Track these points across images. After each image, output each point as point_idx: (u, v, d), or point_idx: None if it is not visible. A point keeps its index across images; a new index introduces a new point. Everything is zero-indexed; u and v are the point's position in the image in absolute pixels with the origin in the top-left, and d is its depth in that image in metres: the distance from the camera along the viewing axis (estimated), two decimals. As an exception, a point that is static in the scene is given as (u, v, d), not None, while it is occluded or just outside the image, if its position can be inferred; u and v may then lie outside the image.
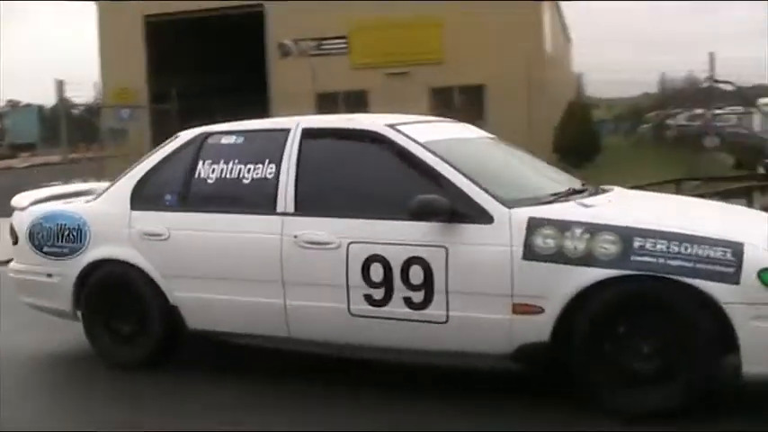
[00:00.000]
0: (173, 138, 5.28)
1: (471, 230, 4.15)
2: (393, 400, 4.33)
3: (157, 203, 5.04)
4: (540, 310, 3.98)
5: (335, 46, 22.43)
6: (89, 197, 5.60)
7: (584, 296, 3.89)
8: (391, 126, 4.63)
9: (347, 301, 4.39)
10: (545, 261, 3.97)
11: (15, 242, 5.53)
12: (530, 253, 4.00)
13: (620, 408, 3.89)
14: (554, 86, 23.94)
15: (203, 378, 4.85)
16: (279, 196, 4.65)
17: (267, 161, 4.78)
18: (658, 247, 3.78)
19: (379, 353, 4.53)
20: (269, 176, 4.74)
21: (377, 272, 4.30)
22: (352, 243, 4.36)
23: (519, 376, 4.36)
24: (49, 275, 5.33)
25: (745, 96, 23.46)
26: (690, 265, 3.72)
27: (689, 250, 3.74)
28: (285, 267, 4.55)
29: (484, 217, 4.12)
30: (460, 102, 20.73)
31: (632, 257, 3.81)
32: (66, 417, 4.49)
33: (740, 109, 14.77)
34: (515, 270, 4.01)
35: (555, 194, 4.47)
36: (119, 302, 5.13)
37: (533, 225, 4.03)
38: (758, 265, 3.66)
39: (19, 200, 5.69)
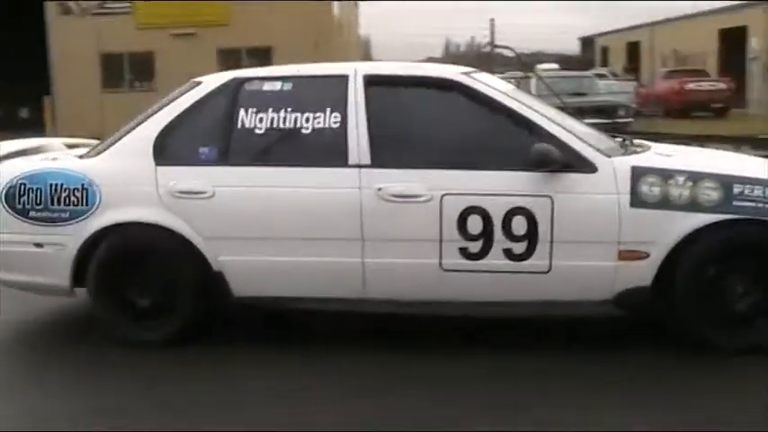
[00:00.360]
0: (191, 84, 4.80)
1: (576, 180, 4.18)
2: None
3: (190, 158, 4.54)
4: (646, 256, 4.12)
5: (119, 6, 22.18)
6: (59, 153, 5.22)
7: (690, 240, 4.07)
8: (466, 74, 4.56)
9: (439, 256, 4.25)
10: (652, 208, 4.11)
11: None
12: (637, 201, 4.12)
13: (723, 345, 4.13)
14: (342, 49, 25.07)
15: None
16: (350, 147, 4.36)
17: (329, 110, 4.46)
18: (755, 192, 4.06)
19: (466, 308, 4.44)
20: (334, 126, 4.43)
21: (475, 224, 4.20)
22: (446, 195, 4.21)
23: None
24: (39, 245, 4.64)
25: (525, 62, 25.72)
26: None
27: None
28: (365, 223, 4.28)
29: (587, 166, 4.19)
30: (249, 64, 21.27)
31: (733, 203, 4.05)
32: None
33: (519, 74, 16.58)
34: (623, 217, 4.12)
35: (622, 145, 4.70)
36: (139, 272, 4.60)
37: (637, 174, 4.16)
38: None
39: None
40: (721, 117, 24.29)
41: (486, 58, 39.55)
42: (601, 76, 27.18)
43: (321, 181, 4.35)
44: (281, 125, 4.48)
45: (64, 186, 4.56)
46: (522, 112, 4.37)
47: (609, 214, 4.15)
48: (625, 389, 3.83)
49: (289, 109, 4.49)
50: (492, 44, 41.84)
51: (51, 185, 4.57)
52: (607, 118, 16.05)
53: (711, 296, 4.14)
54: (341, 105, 4.44)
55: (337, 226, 4.31)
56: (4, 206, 4.64)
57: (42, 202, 4.57)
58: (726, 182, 4.11)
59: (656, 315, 4.40)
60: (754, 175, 4.19)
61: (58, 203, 4.56)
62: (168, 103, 4.72)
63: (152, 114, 4.72)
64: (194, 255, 4.45)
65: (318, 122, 4.44)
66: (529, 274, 4.21)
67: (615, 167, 4.22)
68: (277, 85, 4.61)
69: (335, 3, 23.46)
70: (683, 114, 23.74)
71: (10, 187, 4.63)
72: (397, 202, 4.25)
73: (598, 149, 4.30)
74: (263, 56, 21.20)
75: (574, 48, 61.79)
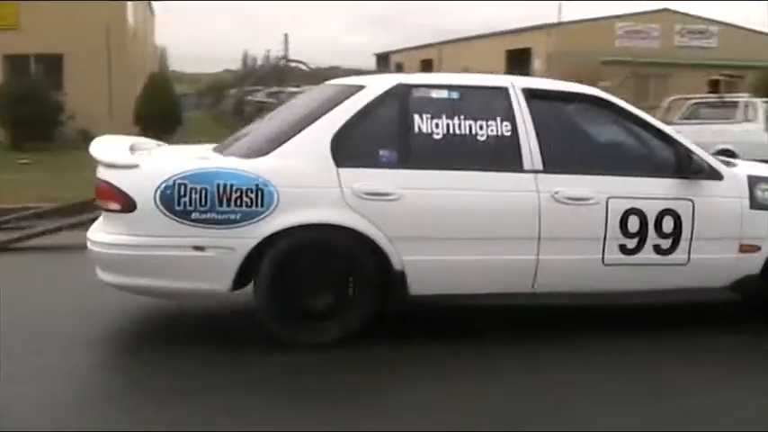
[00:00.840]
0: (354, 87, 4.94)
1: (709, 186, 5.05)
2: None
3: (371, 160, 4.67)
4: (759, 249, 5.12)
5: None
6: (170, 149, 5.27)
7: None
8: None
9: (602, 252, 4.87)
10: (765, 209, 5.12)
11: (127, 209, 4.49)
12: (754, 203, 5.11)
13: None
14: (136, 58, 24.93)
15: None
16: (524, 154, 4.78)
17: (499, 119, 4.85)
18: None
19: (619, 297, 5.05)
20: (506, 134, 4.82)
21: (633, 223, 4.87)
22: (611, 198, 4.84)
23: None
24: (199, 248, 4.47)
25: (319, 76, 26.73)
26: None
27: None
28: (543, 223, 4.73)
29: (716, 175, 5.08)
30: (38, 70, 20.76)
31: None
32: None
33: (314, 87, 17.43)
34: (744, 217, 5.08)
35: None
36: (315, 274, 4.60)
37: (752, 181, 5.17)
38: None
39: (118, 154, 4.68)
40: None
41: (280, 72, 40.26)
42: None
43: (499, 185, 4.76)
44: (457, 131, 4.79)
45: (235, 187, 4.46)
46: (662, 128, 5.25)
47: (734, 215, 5.10)
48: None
49: (462, 116, 4.82)
50: (286, 58, 42.73)
51: (219, 185, 4.45)
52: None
53: None
54: (510, 115, 4.87)
55: (518, 226, 4.76)
56: (159, 207, 4.44)
57: (208, 203, 4.43)
58: None
59: (761, 297, 5.29)
60: None
61: (228, 204, 4.44)
62: (335, 105, 4.81)
63: (318, 115, 4.78)
64: (378, 255, 4.59)
65: (491, 130, 4.83)
66: (671, 266, 5.02)
67: (736, 176, 5.19)
68: (444, 93, 4.91)
69: (130, 8, 23.30)
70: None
71: (166, 187, 4.44)
72: (571, 205, 4.80)
73: (719, 161, 5.27)
74: (53, 62, 20.74)
75: (370, 63, 64.02)
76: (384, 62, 61.42)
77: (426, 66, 51.19)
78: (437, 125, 4.80)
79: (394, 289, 4.67)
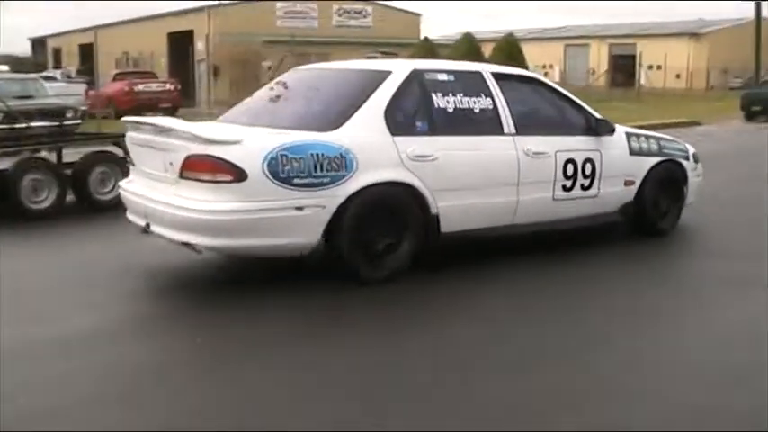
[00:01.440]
0: (379, 72, 6.21)
1: (608, 140, 7.09)
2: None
3: (412, 130, 6.01)
4: (633, 183, 7.28)
5: None
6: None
7: (650, 172, 7.37)
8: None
9: (552, 191, 6.68)
10: (636, 155, 7.30)
11: (237, 179, 5.24)
12: (632, 151, 7.28)
13: (663, 226, 7.62)
14: None
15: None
16: (503, 122, 6.44)
17: (483, 95, 6.44)
18: (672, 145, 7.80)
19: (559, 225, 6.85)
20: (489, 107, 6.43)
21: (569, 170, 6.75)
22: (557, 152, 6.67)
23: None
24: (300, 209, 5.41)
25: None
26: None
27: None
28: (521, 172, 6.41)
29: (611, 131, 7.11)
30: None
31: (663, 151, 7.57)
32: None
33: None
34: (626, 161, 7.22)
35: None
36: (380, 222, 5.76)
37: (628, 135, 7.34)
38: None
39: (222, 132, 5.58)
40: (171, 116, 25.95)
41: None
42: (49, 78, 27.12)
43: (491, 145, 6.36)
44: (459, 105, 6.28)
45: (324, 155, 5.47)
46: (577, 101, 7.14)
47: (622, 160, 7.20)
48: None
49: (460, 94, 6.33)
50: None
51: (312, 155, 5.43)
52: (55, 120, 16.34)
53: (658, 204, 7.48)
54: (488, 93, 6.47)
55: (505, 175, 6.35)
56: (267, 176, 5.27)
57: (306, 169, 5.38)
58: (657, 139, 7.64)
59: (633, 216, 7.36)
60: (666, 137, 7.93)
61: (321, 170, 5.44)
62: (376, 86, 5.98)
63: (365, 95, 5.91)
64: (422, 204, 5.93)
65: (480, 104, 6.40)
66: (589, 199, 6.96)
67: (619, 132, 7.27)
68: (444, 76, 6.38)
69: None
70: (135, 115, 24.66)
71: (272, 159, 5.28)
72: (536, 158, 6.51)
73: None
74: None
75: (26, 49, 59.90)
76: (41, 48, 57.68)
77: (87, 50, 48.88)
78: (447, 101, 6.24)
79: (431, 229, 6.01)
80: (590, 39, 59.60)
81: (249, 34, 35.08)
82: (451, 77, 6.41)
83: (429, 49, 32.89)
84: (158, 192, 5.70)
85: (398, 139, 5.85)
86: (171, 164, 5.54)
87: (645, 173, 7.36)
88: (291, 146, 5.41)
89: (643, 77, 42.02)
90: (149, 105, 25.93)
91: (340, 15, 42.04)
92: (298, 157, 5.38)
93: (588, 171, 6.88)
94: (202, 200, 5.31)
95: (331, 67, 7.20)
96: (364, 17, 42.72)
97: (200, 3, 39.30)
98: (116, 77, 28.74)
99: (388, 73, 6.14)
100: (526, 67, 31.95)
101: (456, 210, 6.08)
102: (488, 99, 6.44)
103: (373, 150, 5.72)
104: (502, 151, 6.38)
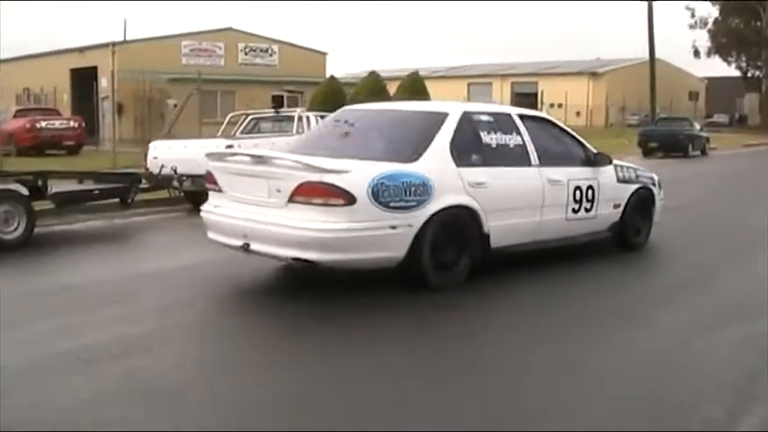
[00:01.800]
0: (439, 114, 7.49)
1: (603, 170, 8.62)
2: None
3: (470, 161, 7.24)
4: (620, 206, 8.86)
5: None
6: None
7: (631, 198, 8.98)
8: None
9: (565, 213, 8.12)
10: (622, 183, 8.89)
11: (348, 203, 6.25)
12: (619, 179, 8.87)
13: (637, 242, 9.30)
14: None
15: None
16: (530, 155, 7.83)
17: (514, 133, 7.80)
18: (642, 174, 9.48)
19: (568, 240, 8.33)
20: (519, 143, 7.79)
21: (577, 195, 8.20)
22: (569, 180, 8.12)
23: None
24: (393, 227, 6.49)
25: None
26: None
27: None
28: (544, 197, 7.82)
29: (608, 162, 8.68)
30: None
31: (638, 179, 9.23)
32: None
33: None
34: (615, 188, 8.80)
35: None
36: (447, 239, 6.89)
37: (615, 166, 8.84)
38: None
39: (332, 162, 6.48)
40: (74, 154, 25.76)
41: None
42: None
43: (524, 175, 7.73)
44: (500, 141, 7.64)
45: (412, 183, 6.61)
46: (579, 138, 8.70)
47: (612, 187, 8.74)
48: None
49: (499, 133, 7.67)
50: None
51: (403, 182, 6.58)
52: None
53: (634, 222, 9.07)
54: (517, 131, 7.86)
55: (534, 199, 7.75)
56: (371, 200, 6.35)
57: (399, 194, 6.51)
58: (634, 169, 9.29)
59: (619, 233, 8.92)
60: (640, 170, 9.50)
61: (409, 195, 6.58)
62: (438, 126, 7.23)
63: (429, 134, 7.14)
64: (478, 224, 7.13)
65: (513, 141, 7.75)
66: (590, 219, 8.44)
67: (613, 164, 8.81)
68: (485, 117, 7.73)
69: None
70: (37, 152, 24.53)
71: (375, 185, 6.37)
72: (554, 185, 7.94)
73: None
74: None
75: None
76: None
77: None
78: (491, 138, 7.57)
79: (483, 245, 7.21)
80: (493, 77, 61.72)
81: (154, 72, 35.20)
82: (491, 118, 7.80)
83: (335, 87, 33.58)
84: (262, 214, 6.57)
85: (461, 169, 7.11)
86: (278, 190, 6.48)
87: (627, 197, 8.99)
88: (388, 175, 6.54)
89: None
90: (52, 143, 25.72)
91: (246, 54, 42.58)
92: (393, 184, 6.50)
93: (590, 196, 8.39)
94: (316, 220, 6.28)
95: (388, 108, 8.85)
96: (270, 55, 43.36)
97: (105, 39, 39.25)
98: (17, 114, 28.31)
99: (446, 114, 7.44)
100: (430, 105, 32.92)
101: (501, 228, 7.34)
102: (518, 136, 7.84)
103: (445, 179, 6.92)
104: (531, 180, 7.78)
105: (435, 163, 6.92)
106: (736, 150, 35.50)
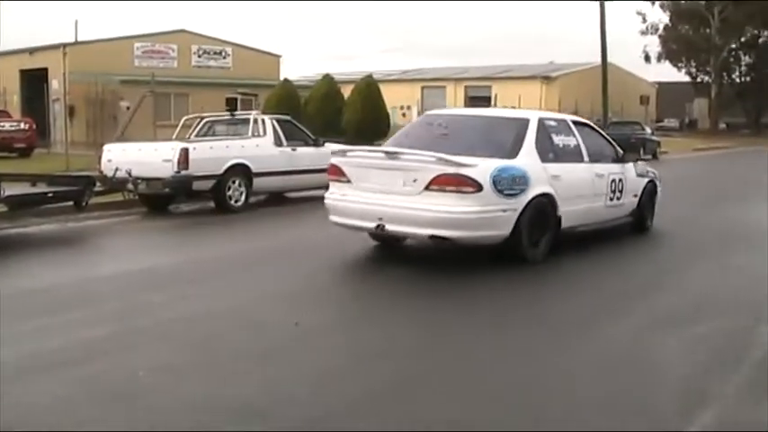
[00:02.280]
0: (522, 119, 9.30)
1: (628, 166, 10.59)
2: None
3: (548, 158, 8.96)
4: (637, 196, 10.79)
5: None
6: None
7: (644, 187, 11.11)
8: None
9: (605, 201, 10.01)
10: (639, 177, 10.83)
11: (477, 190, 7.91)
12: (637, 174, 10.76)
13: (649, 221, 11.51)
14: None
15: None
16: (583, 154, 9.69)
17: (570, 135, 9.68)
18: (649, 169, 11.76)
19: (604, 224, 10.30)
20: (574, 143, 9.64)
21: (612, 187, 10.07)
22: (608, 173, 10.03)
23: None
24: (504, 210, 8.15)
25: None
26: None
27: None
28: (593, 188, 9.73)
29: (631, 160, 10.82)
30: None
31: (647, 174, 11.32)
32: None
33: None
34: (635, 180, 10.70)
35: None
36: (536, 221, 8.52)
37: (636, 164, 10.83)
38: None
39: (463, 158, 7.99)
40: (25, 157, 25.46)
41: None
42: None
43: (580, 168, 9.55)
44: (563, 142, 9.48)
45: (517, 175, 8.30)
46: (610, 139, 10.92)
47: (633, 179, 10.65)
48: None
49: (562, 135, 9.52)
50: None
51: (511, 174, 8.25)
52: None
53: (646, 208, 11.07)
54: (573, 133, 9.77)
55: (587, 189, 9.60)
56: (492, 188, 8.00)
57: (509, 184, 8.18)
58: (644, 165, 11.20)
59: (637, 218, 10.99)
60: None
61: (515, 184, 8.27)
62: (523, 129, 8.97)
63: (515, 136, 8.86)
64: (555, 209, 8.84)
65: (571, 141, 9.63)
66: (619, 206, 10.37)
67: (634, 162, 10.89)
68: (553, 123, 9.62)
69: None
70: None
71: (495, 176, 8.05)
72: (599, 178, 9.82)
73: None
74: None
75: None
76: None
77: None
78: (558, 139, 9.42)
79: (558, 226, 8.95)
80: (446, 81, 62.09)
81: (106, 73, 34.93)
82: (555, 123, 9.67)
83: (289, 89, 33.67)
84: (397, 200, 8.14)
85: (544, 164, 8.83)
86: (414, 180, 8.03)
87: (642, 189, 10.99)
88: (502, 168, 8.22)
89: (497, 119, 44.16)
90: (2, 145, 25.36)
91: (200, 56, 42.40)
92: (505, 176, 8.18)
93: (620, 187, 10.28)
94: (450, 205, 7.92)
95: (474, 113, 11.23)
96: (224, 58, 43.24)
97: (56, 40, 38.83)
98: (-36, 116, 27.93)
99: (528, 120, 9.22)
100: (385, 108, 33.22)
101: (567, 213, 9.03)
102: (573, 138, 9.71)
103: (536, 172, 8.60)
104: (586, 173, 9.63)
105: (528, 159, 8.65)
106: (687, 154, 36.37)
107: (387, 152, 8.43)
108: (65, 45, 38.79)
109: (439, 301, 7.07)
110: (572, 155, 9.45)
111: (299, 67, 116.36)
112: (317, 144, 15.21)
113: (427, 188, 7.93)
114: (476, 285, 7.69)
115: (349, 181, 8.61)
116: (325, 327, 6.16)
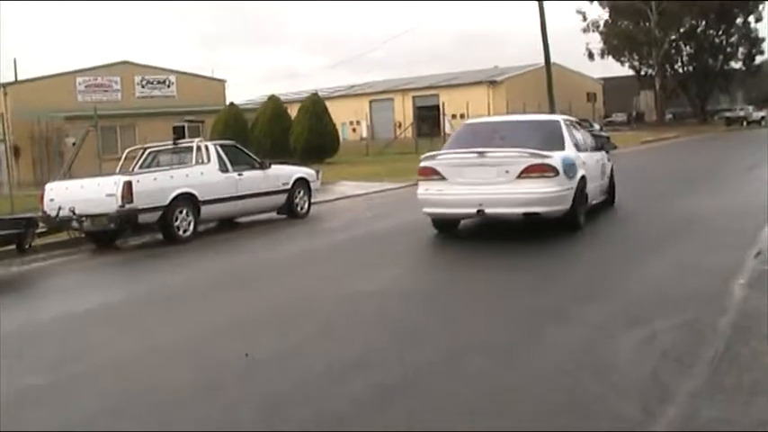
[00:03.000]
0: (553, 120, 12.45)
1: (604, 154, 13.52)
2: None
3: (579, 149, 11.55)
4: (608, 176, 13.86)
5: None
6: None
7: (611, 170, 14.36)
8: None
9: (600, 181, 12.65)
10: (608, 161, 13.85)
11: (555, 174, 10.43)
12: (607, 159, 13.72)
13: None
14: None
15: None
16: (588, 144, 12.45)
17: (578, 130, 12.39)
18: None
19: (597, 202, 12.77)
20: (580, 137, 12.28)
21: (602, 169, 12.90)
22: (601, 159, 12.87)
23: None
24: (568, 189, 10.62)
25: None
26: None
27: None
28: (599, 171, 12.58)
29: (610, 149, 15.22)
30: None
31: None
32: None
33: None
34: (608, 165, 13.64)
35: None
36: (580, 197, 10.97)
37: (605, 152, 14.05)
38: None
39: (546, 151, 10.62)
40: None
41: None
42: None
43: (592, 156, 12.27)
44: (578, 137, 12.04)
45: (573, 162, 10.91)
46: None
47: (607, 163, 13.56)
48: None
49: (574, 130, 12.08)
50: None
51: (571, 162, 10.80)
52: None
53: (613, 184, 14.30)
54: (578, 129, 12.71)
55: (595, 172, 12.16)
56: (563, 172, 10.50)
57: (571, 169, 10.72)
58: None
59: (611, 194, 14.01)
60: None
61: (573, 170, 10.80)
62: (557, 127, 11.66)
63: (553, 133, 11.44)
64: (585, 188, 11.20)
65: (578, 135, 12.22)
66: (603, 186, 12.97)
67: (608, 150, 14.57)
68: (568, 122, 12.26)
69: None
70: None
71: (563, 163, 10.57)
72: (597, 163, 12.49)
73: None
74: None
75: None
76: None
77: None
78: (575, 134, 12.03)
79: (587, 202, 11.51)
80: (394, 92, 62.36)
81: (50, 111, 34.51)
82: (569, 122, 12.40)
83: (235, 113, 33.54)
84: (493, 189, 10.43)
85: (580, 154, 11.43)
86: (507, 171, 10.40)
87: (610, 171, 13.78)
88: (564, 157, 10.79)
89: (447, 126, 44.43)
90: (-55, 191, 24.91)
91: (143, 86, 42.06)
92: (568, 163, 10.74)
93: (604, 170, 13.09)
94: (539, 187, 10.34)
95: (510, 118, 14.31)
96: (168, 86, 42.93)
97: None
98: None
99: (557, 120, 12.27)
100: (332, 124, 33.18)
101: (590, 191, 11.60)
102: (579, 132, 12.41)
103: (576, 160, 11.13)
104: (594, 160, 12.27)
105: (571, 150, 11.22)
106: (635, 147, 36.84)
107: (478, 152, 10.62)
108: (5, 85, 38.24)
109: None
110: (583, 146, 12.01)
111: (244, 91, 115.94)
112: (263, 167, 15.12)
113: (519, 176, 10.35)
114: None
115: (444, 178, 10.78)
116: (279, 355, 6.08)
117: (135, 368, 5.94)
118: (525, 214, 10.41)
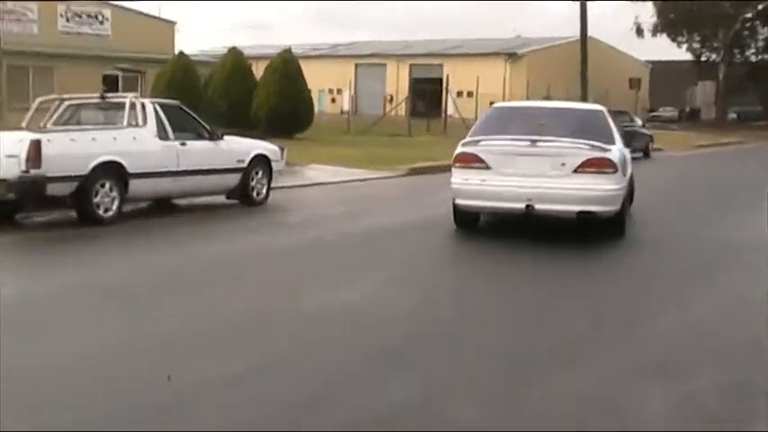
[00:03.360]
0: (597, 110, 13.41)
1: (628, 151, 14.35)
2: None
3: (620, 142, 12.54)
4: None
5: None
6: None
7: None
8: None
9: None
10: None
11: (614, 171, 11.46)
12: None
13: None
14: None
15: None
16: (621, 138, 13.15)
17: (614, 122, 13.24)
18: None
19: None
20: (616, 130, 12.87)
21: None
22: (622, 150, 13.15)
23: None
24: (622, 188, 11.69)
25: None
26: None
27: None
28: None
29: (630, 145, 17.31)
30: None
31: None
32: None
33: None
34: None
35: None
36: (627, 196, 12.61)
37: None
38: None
39: (605, 144, 11.78)
40: None
41: None
42: None
43: (628, 152, 13.70)
44: (617, 130, 13.10)
45: (624, 158, 12.17)
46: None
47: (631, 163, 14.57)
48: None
49: (612, 122, 13.01)
50: None
51: (625, 158, 12.22)
52: None
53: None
54: (613, 119, 13.46)
55: (628, 165, 13.03)
56: (620, 169, 11.57)
57: (625, 166, 12.03)
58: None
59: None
60: None
61: (626, 167, 12.11)
62: (602, 118, 12.81)
63: (600, 125, 12.51)
64: (634, 183, 13.96)
65: (614, 128, 12.94)
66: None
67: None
68: (608, 112, 13.40)
69: None
70: None
71: (620, 159, 11.70)
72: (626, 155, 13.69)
73: None
74: None
75: None
76: None
77: None
78: (615, 123, 13.25)
79: (631, 201, 13.78)
80: (387, 57, 62.25)
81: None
82: (607, 112, 13.24)
83: (185, 65, 33.31)
84: (546, 182, 11.28)
85: (613, 146, 11.89)
86: (563, 164, 11.27)
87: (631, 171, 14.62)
88: (620, 151, 11.97)
89: (451, 106, 44.27)
90: None
91: (68, 20, 41.58)
92: (624, 159, 11.92)
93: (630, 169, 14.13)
94: (597, 184, 11.22)
95: (550, 105, 15.68)
96: (101, 23, 42.48)
97: None
98: None
99: (601, 110, 13.30)
100: (307, 91, 33.05)
101: (633, 189, 13.50)
102: (614, 124, 12.96)
103: (628, 154, 12.72)
104: (626, 152, 13.00)
105: (620, 145, 12.31)
106: (686, 152, 37.10)
107: (531, 140, 11.39)
108: None
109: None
110: (622, 140, 12.91)
111: (198, 39, 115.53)
112: (214, 137, 14.96)
113: (576, 170, 11.19)
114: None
115: (488, 167, 11.56)
116: (204, 383, 5.91)
117: (23, 389, 5.75)
118: (580, 213, 11.42)
